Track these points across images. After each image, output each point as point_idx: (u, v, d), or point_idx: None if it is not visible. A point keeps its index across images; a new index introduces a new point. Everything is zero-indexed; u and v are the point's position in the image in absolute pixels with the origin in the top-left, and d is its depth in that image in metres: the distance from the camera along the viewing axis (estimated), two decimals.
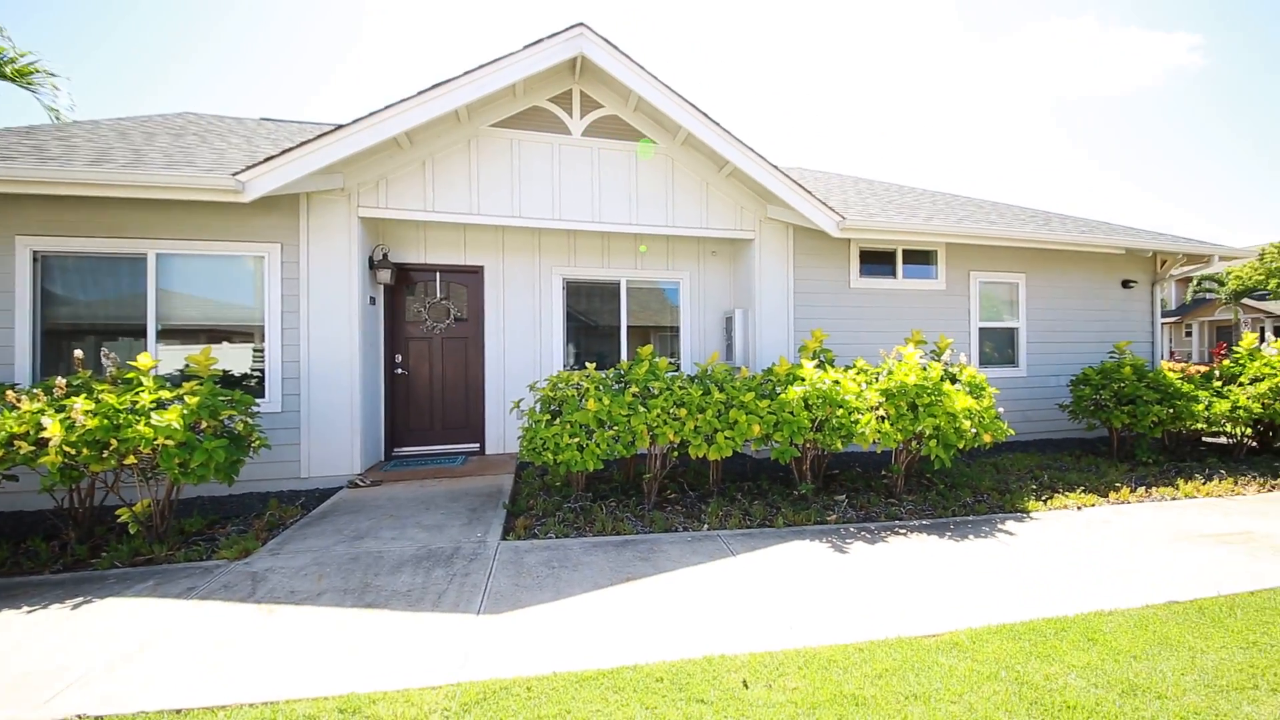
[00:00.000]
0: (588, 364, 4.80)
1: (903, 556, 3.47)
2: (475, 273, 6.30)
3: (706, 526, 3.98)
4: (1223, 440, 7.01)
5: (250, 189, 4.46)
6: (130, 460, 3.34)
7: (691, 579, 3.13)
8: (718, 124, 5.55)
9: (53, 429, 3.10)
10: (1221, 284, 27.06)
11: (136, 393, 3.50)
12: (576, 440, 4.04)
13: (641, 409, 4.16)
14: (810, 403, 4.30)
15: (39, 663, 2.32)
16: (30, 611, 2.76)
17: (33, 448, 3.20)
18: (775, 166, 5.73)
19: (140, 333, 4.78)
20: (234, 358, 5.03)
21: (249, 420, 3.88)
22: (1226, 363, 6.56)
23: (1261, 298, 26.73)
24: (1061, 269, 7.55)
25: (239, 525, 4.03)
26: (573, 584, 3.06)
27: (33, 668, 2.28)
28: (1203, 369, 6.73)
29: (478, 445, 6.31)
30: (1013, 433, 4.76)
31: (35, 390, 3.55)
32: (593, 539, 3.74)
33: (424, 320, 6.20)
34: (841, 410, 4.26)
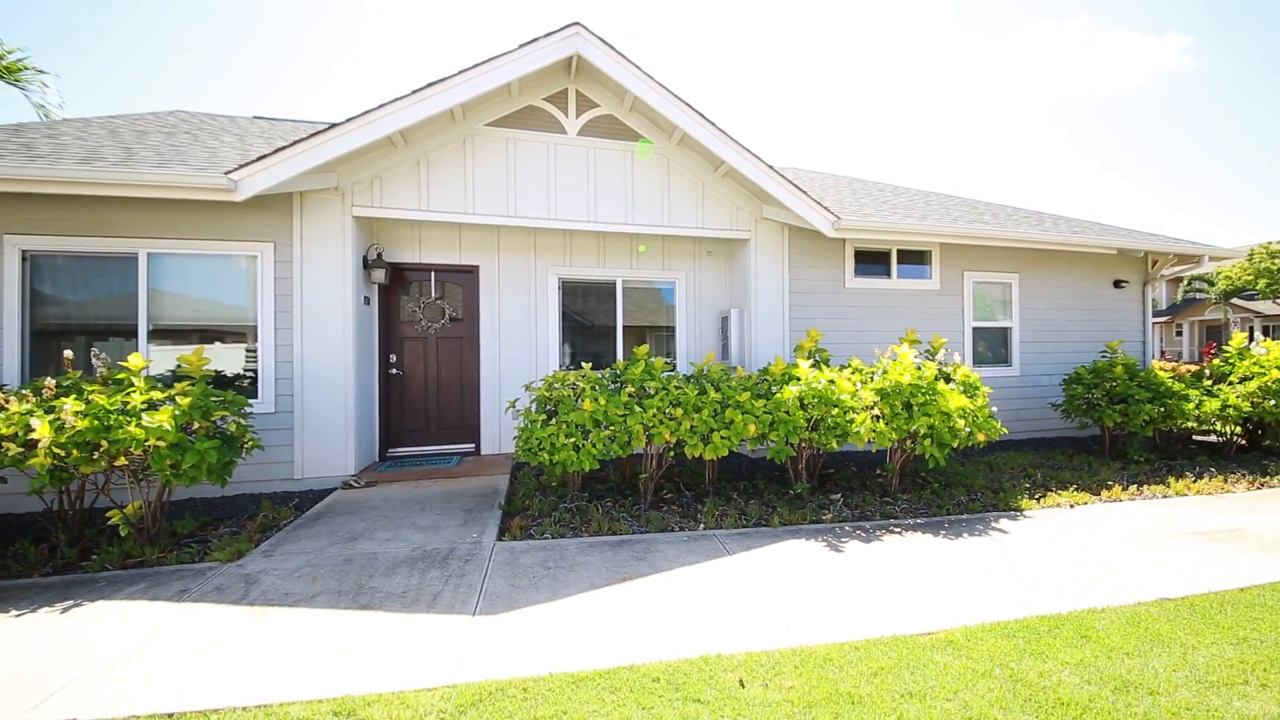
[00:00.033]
0: (584, 364, 4.79)
1: (898, 555, 3.49)
2: (470, 272, 6.28)
3: (703, 526, 3.99)
4: (1213, 438, 7.08)
5: (243, 188, 4.43)
6: (121, 462, 3.30)
7: (688, 579, 3.13)
8: (713, 124, 5.55)
9: (42, 430, 3.07)
10: (1211, 284, 27.37)
11: (127, 393, 3.46)
12: (572, 440, 4.04)
13: (637, 409, 4.16)
14: (806, 402, 4.31)
15: (28, 667, 2.29)
16: (19, 615, 2.73)
17: (21, 449, 3.17)
18: (771, 166, 5.74)
19: (131, 333, 4.74)
20: (227, 358, 4.99)
21: (242, 421, 3.85)
22: (1216, 362, 6.63)
23: (1250, 298, 27.05)
24: (1055, 269, 7.61)
25: (232, 527, 4.00)
26: (569, 584, 3.06)
27: (21, 672, 2.25)
28: (1193, 368, 6.80)
29: (473, 446, 6.29)
30: (1006, 432, 4.79)
31: (24, 391, 3.50)
32: (589, 539, 3.73)
33: (419, 320, 6.17)
34: (837, 410, 4.27)
